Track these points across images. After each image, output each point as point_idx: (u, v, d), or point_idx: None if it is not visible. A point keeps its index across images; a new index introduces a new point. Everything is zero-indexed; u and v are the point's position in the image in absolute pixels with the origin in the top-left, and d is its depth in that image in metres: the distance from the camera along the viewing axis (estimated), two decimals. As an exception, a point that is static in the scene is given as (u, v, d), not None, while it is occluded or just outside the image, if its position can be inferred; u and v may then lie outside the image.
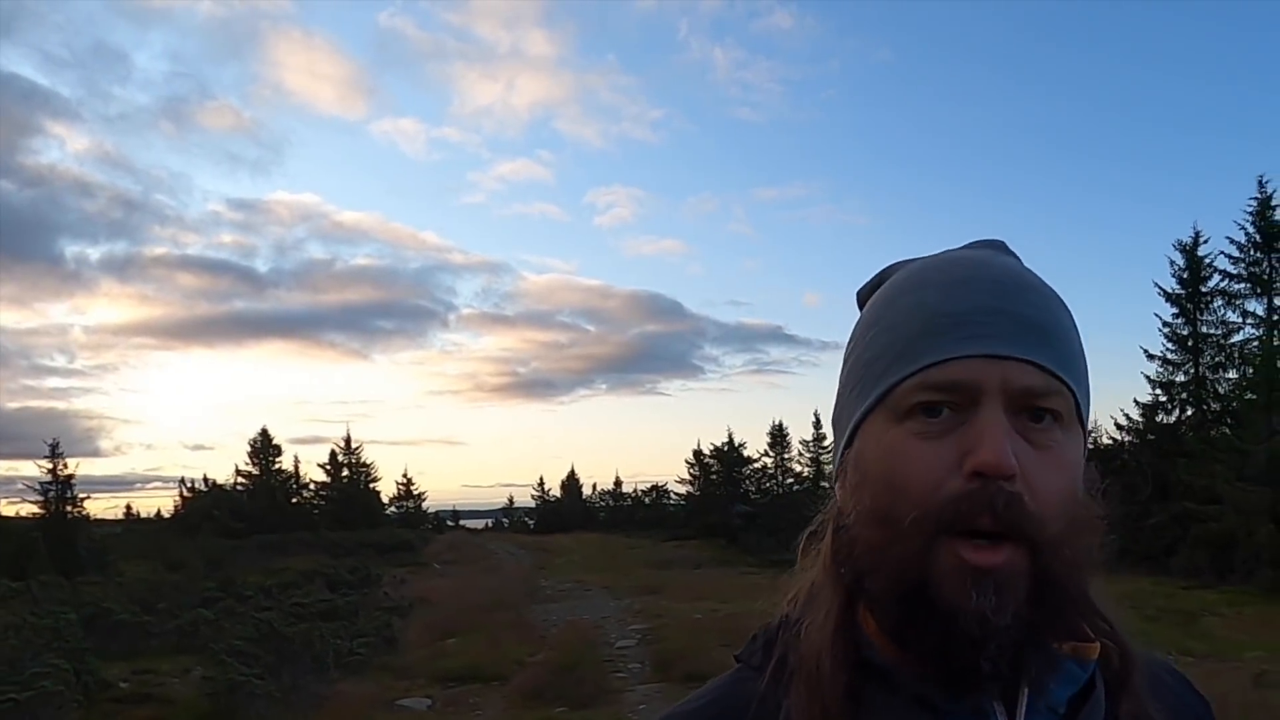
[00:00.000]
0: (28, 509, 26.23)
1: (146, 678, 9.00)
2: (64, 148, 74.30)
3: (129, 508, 45.87)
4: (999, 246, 0.63)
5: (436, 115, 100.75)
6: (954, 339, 0.54)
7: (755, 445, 38.58)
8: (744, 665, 0.63)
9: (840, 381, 0.63)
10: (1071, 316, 0.59)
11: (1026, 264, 0.63)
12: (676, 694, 6.24)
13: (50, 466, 25.44)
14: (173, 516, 37.60)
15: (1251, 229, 18.66)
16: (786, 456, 37.84)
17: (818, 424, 37.68)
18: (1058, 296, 0.59)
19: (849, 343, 0.64)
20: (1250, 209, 18.69)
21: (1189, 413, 19.88)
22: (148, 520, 40.76)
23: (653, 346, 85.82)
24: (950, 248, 0.64)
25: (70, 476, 25.66)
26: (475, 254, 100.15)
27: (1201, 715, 0.66)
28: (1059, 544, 0.52)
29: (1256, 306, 18.83)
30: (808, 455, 37.61)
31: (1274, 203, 18.53)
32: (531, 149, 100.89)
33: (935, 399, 0.53)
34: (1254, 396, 16.63)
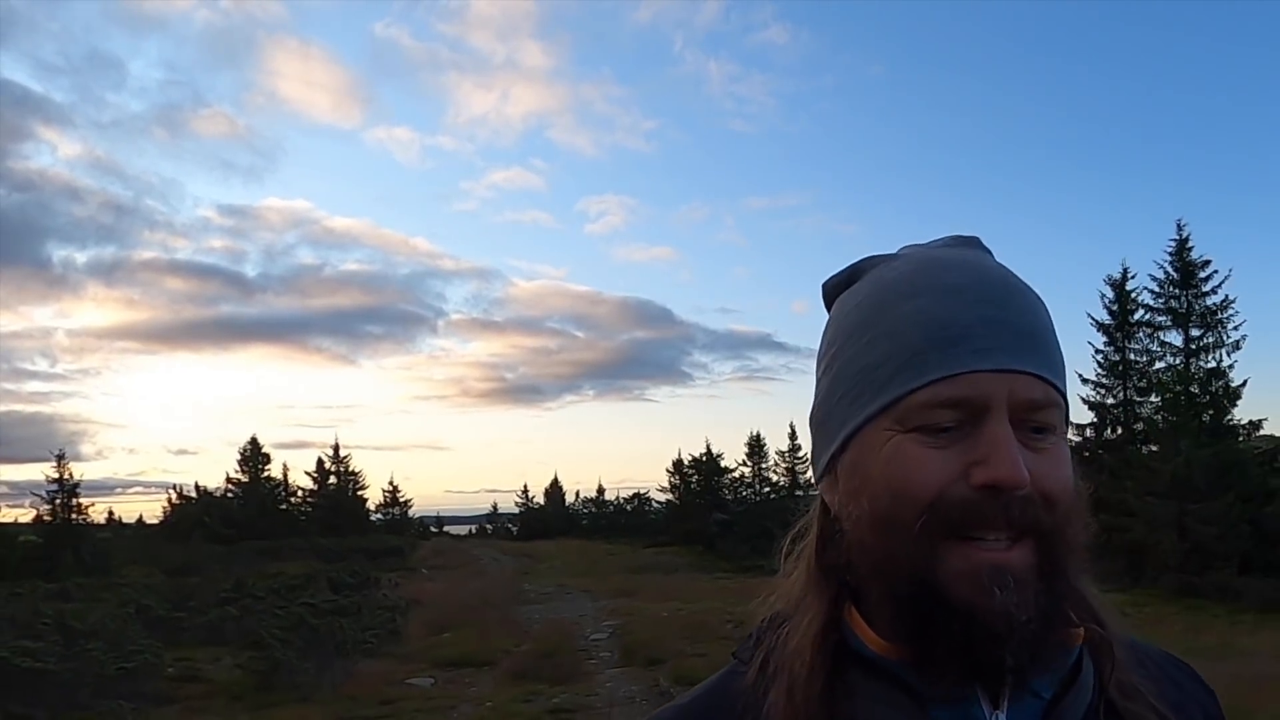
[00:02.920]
0: (25, 514, 27.48)
1: (186, 664, 10.50)
2: (55, 153, 74.72)
3: (110, 513, 46.18)
4: (976, 244, 0.64)
5: (430, 124, 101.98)
6: (962, 352, 0.54)
7: (741, 453, 39.54)
8: (739, 661, 0.64)
9: (824, 383, 0.62)
10: (1050, 315, 0.60)
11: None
12: (639, 676, 8.18)
13: (57, 474, 26.69)
14: (162, 522, 38.09)
15: (1170, 268, 20.72)
16: (763, 466, 39.35)
17: (793, 435, 39.39)
18: (1039, 297, 0.60)
19: (830, 341, 0.63)
20: (1170, 249, 20.78)
21: (1120, 433, 21.79)
22: (130, 526, 40.51)
23: (642, 353, 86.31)
24: (928, 243, 0.64)
25: (77, 483, 26.84)
26: (466, 260, 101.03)
27: (1206, 705, 0.66)
28: (1062, 536, 0.54)
29: (1175, 338, 20.91)
30: (783, 465, 39.30)
31: (1190, 244, 20.63)
32: (525, 158, 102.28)
33: (946, 414, 0.54)
34: (1166, 420, 18.52)
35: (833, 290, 0.66)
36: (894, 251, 0.64)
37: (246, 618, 12.17)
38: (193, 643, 11.95)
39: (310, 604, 13.28)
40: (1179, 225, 20.83)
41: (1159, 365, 20.92)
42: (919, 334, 0.56)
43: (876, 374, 0.57)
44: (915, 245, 0.64)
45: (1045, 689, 0.56)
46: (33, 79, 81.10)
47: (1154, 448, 19.33)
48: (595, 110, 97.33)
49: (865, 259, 0.64)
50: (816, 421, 0.64)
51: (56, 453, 27.39)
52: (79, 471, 26.68)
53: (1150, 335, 21.13)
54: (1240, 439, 19.23)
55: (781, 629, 0.62)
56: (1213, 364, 20.06)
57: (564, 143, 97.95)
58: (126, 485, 58.93)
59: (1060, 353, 0.59)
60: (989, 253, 0.63)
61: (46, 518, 26.25)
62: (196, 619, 12.08)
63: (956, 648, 0.52)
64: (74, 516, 26.65)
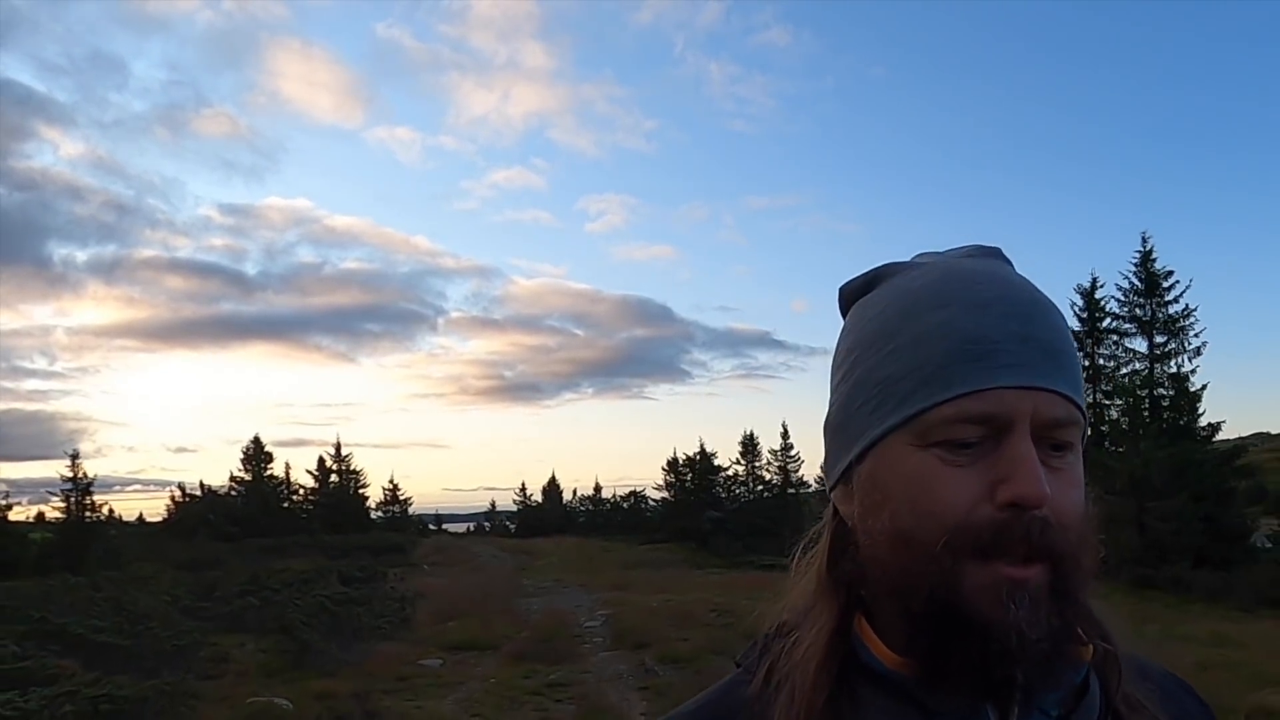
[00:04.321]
0: (46, 510, 28.40)
1: (215, 648, 11.50)
2: (57, 152, 75.58)
3: (110, 511, 46.33)
4: (999, 255, 0.63)
5: (432, 124, 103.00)
6: (988, 368, 0.54)
7: (737, 451, 40.13)
8: (743, 670, 0.64)
9: (843, 390, 0.61)
10: (1070, 331, 0.59)
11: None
12: (628, 658, 9.38)
13: (70, 473, 27.65)
14: (167, 520, 38.83)
15: (1135, 278, 21.87)
16: (757, 465, 40.30)
17: (786, 434, 40.34)
18: (1061, 313, 0.59)
19: (850, 347, 0.62)
20: (1135, 260, 21.92)
21: (1089, 434, 22.79)
22: (131, 524, 40.45)
23: (641, 351, 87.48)
24: (946, 251, 0.63)
25: (90, 482, 27.79)
26: (466, 259, 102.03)
27: (1194, 712, 0.67)
28: (1076, 558, 0.54)
29: (1140, 344, 22.08)
30: (776, 464, 40.26)
31: (1154, 255, 21.76)
32: (526, 157, 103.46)
33: (971, 429, 0.54)
34: (1128, 422, 19.62)
35: (850, 295, 0.65)
36: (912, 259, 0.63)
37: (266, 607, 13.15)
38: (217, 630, 12.94)
39: (325, 595, 14.31)
40: (1144, 238, 22.07)
41: (1125, 370, 22.10)
42: (945, 347, 0.55)
43: (899, 385, 0.56)
44: (934, 253, 0.63)
45: (1053, 706, 0.56)
46: (35, 79, 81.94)
47: (1118, 450, 20.45)
48: (596, 110, 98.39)
49: (886, 265, 0.64)
50: (833, 428, 0.63)
51: (70, 452, 28.29)
52: (69, 469, 27.38)
53: (1117, 342, 22.32)
54: (1200, 440, 20.33)
55: (788, 638, 0.61)
56: (1174, 369, 21.23)
57: (565, 142, 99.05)
58: (126, 483, 59.48)
59: (1080, 370, 0.59)
60: (1011, 264, 0.62)
61: (61, 515, 27.22)
62: (220, 608, 13.08)
63: (970, 664, 0.52)
64: (87, 515, 27.65)
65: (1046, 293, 0.60)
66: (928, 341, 0.56)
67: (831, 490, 0.63)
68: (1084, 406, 0.58)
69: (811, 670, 0.58)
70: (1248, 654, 9.66)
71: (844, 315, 0.65)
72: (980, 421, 0.54)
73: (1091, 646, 0.59)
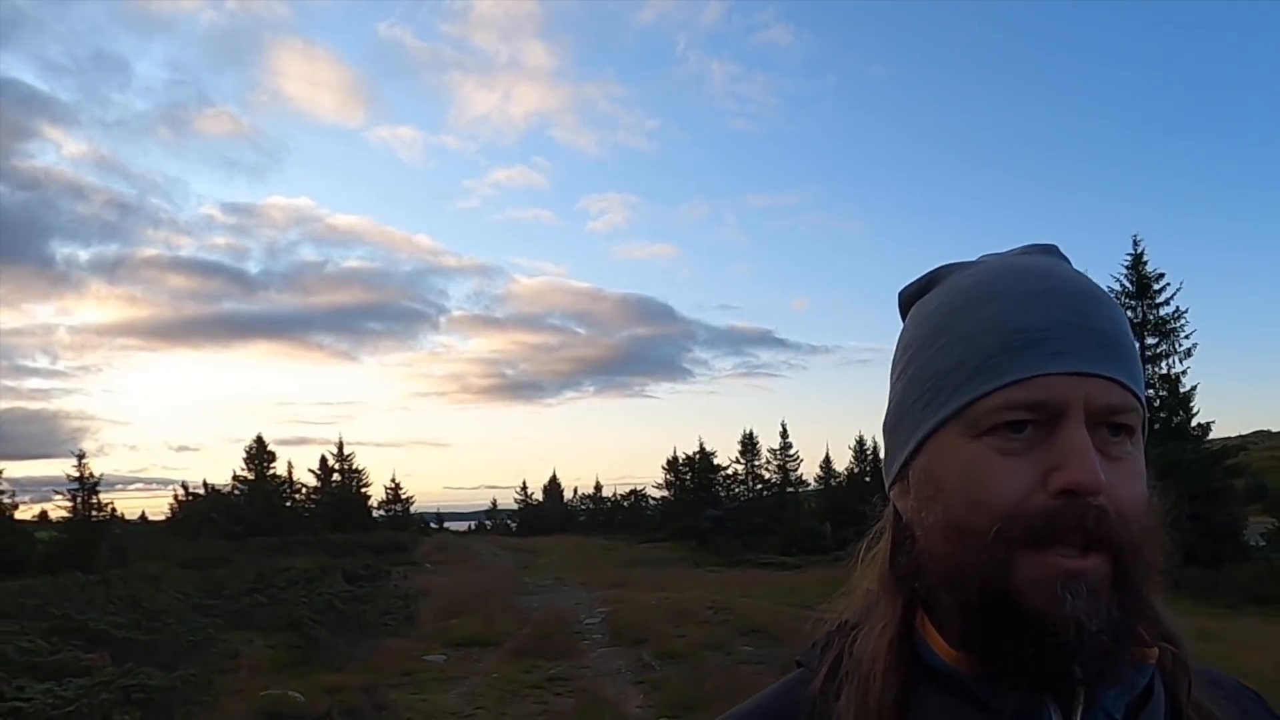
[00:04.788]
0: (51, 509, 28.75)
1: (225, 644, 11.83)
2: (60, 152, 76.04)
3: (113, 509, 46.11)
4: (1055, 251, 0.63)
5: (434, 123, 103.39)
6: (1038, 355, 0.54)
7: (737, 450, 40.37)
8: (805, 669, 0.64)
9: (898, 389, 0.62)
10: (1129, 325, 0.59)
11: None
12: (626, 653, 9.77)
13: (77, 472, 27.99)
14: (170, 518, 39.01)
15: (1126, 280, 22.19)
16: (756, 464, 40.60)
17: (785, 433, 40.63)
18: (1119, 305, 0.59)
19: (905, 347, 0.63)
20: (1126, 262, 22.26)
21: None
22: (133, 523, 40.93)
23: (642, 349, 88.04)
24: (1003, 251, 0.63)
25: (97, 481, 28.13)
26: (468, 257, 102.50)
27: None
28: (1137, 550, 0.53)
29: (1132, 345, 22.29)
30: (775, 463, 40.55)
31: (1145, 258, 22.11)
32: (527, 156, 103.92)
33: (1021, 417, 0.53)
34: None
35: (909, 299, 0.65)
36: (972, 259, 0.63)
37: (273, 605, 13.48)
38: (226, 627, 13.27)
39: (332, 593, 14.63)
40: (1135, 240, 22.47)
41: (1117, 372, 22.28)
42: (993, 338, 0.56)
43: (950, 378, 0.57)
44: (993, 254, 0.63)
45: (1117, 708, 0.55)
46: (39, 78, 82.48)
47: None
48: (598, 109, 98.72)
49: (942, 266, 0.64)
50: (890, 428, 0.64)
51: (77, 451, 28.62)
52: (76, 469, 27.66)
53: (1109, 343, 22.54)
54: (1192, 440, 20.65)
55: (852, 635, 0.62)
56: (1165, 370, 21.54)
57: (566, 141, 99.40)
58: (128, 482, 59.78)
59: (1139, 362, 0.58)
60: (1067, 260, 0.62)
61: (68, 514, 27.56)
62: (229, 606, 13.41)
63: (1026, 658, 0.51)
64: (94, 513, 27.99)
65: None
66: (977, 334, 0.57)
67: (890, 489, 0.64)
68: (1143, 396, 0.57)
69: (879, 669, 0.58)
70: (1225, 648, 9.98)
71: (903, 318, 0.66)
72: (1030, 409, 0.54)
73: (1157, 649, 0.57)
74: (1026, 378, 0.54)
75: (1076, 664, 0.51)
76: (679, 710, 8.02)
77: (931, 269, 0.65)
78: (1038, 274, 0.58)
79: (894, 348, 0.65)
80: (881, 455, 0.66)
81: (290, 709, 6.58)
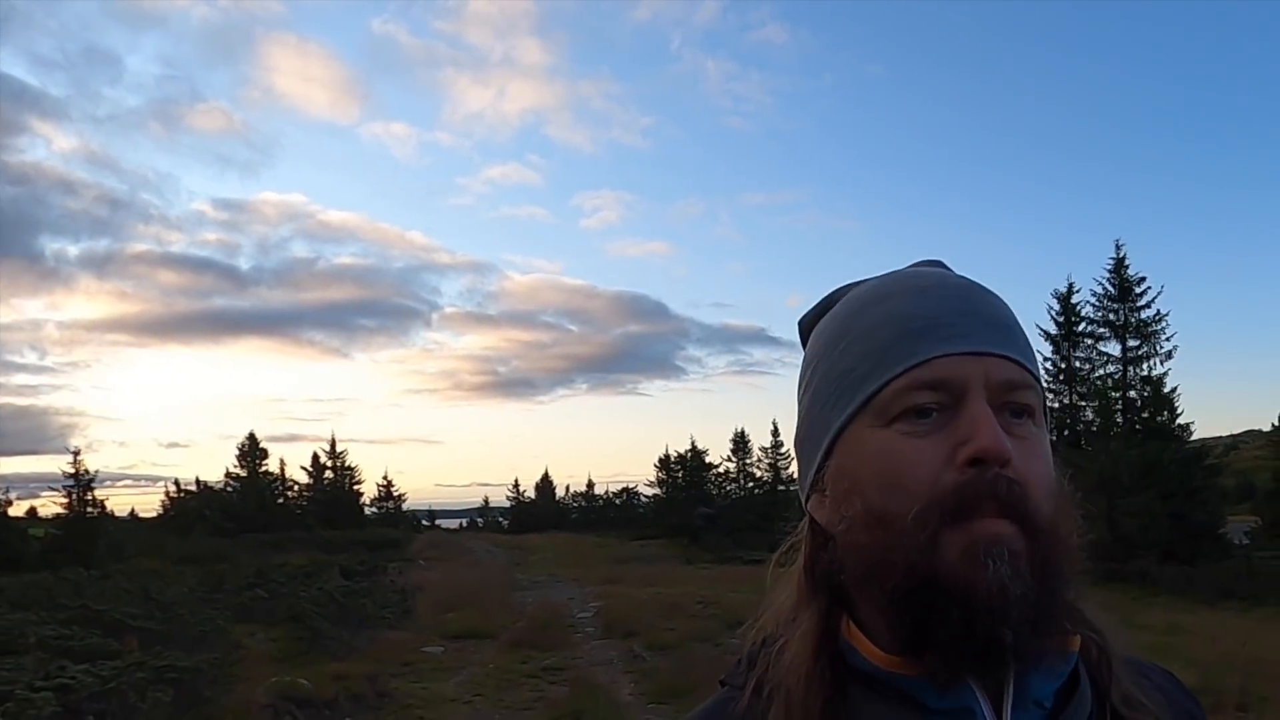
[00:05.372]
0: (42, 505, 28.82)
1: (230, 636, 12.14)
2: (50, 147, 75.29)
3: (102, 506, 45.51)
4: (941, 264, 0.66)
5: (428, 120, 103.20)
6: (933, 339, 0.56)
7: (729, 448, 40.76)
8: (730, 687, 0.64)
9: (805, 401, 0.64)
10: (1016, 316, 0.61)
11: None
12: (617, 645, 10.19)
13: (73, 469, 28.12)
14: (162, 515, 38.84)
15: (1109, 284, 22.71)
16: (748, 461, 40.98)
17: (776, 431, 41.05)
18: (1003, 300, 0.61)
19: (808, 363, 0.65)
20: (1109, 266, 22.77)
21: (1066, 434, 23.72)
22: (123, 520, 41.00)
23: (635, 347, 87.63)
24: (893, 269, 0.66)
25: (92, 478, 28.25)
26: (461, 254, 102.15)
27: (1194, 712, 0.66)
28: (1053, 528, 0.53)
29: (1113, 347, 22.94)
30: (767, 461, 40.96)
31: (1127, 262, 22.63)
32: (521, 153, 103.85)
33: (924, 399, 0.55)
34: (1098, 423, 20.45)
35: (808, 324, 0.68)
36: (861, 279, 0.66)
37: (274, 599, 13.78)
38: (228, 620, 13.59)
39: (331, 588, 14.94)
40: (1117, 245, 22.97)
41: (1099, 373, 22.94)
42: (890, 330, 0.58)
43: (853, 374, 0.59)
44: (891, 271, 0.66)
45: (1045, 696, 0.56)
46: (29, 73, 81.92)
47: (1087, 449, 21.24)
48: (592, 107, 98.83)
49: (836, 290, 0.67)
50: (800, 440, 0.65)
51: (73, 448, 28.73)
52: (71, 466, 27.75)
53: (1091, 345, 23.17)
54: (1173, 440, 21.15)
55: (774, 647, 0.61)
56: (1146, 372, 22.08)
57: (560, 139, 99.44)
58: (117, 479, 59.49)
59: (1032, 348, 0.60)
60: (953, 272, 0.65)
61: (64, 510, 27.68)
62: (231, 600, 13.72)
63: (954, 630, 0.51)
64: (89, 510, 28.12)
65: (993, 288, 0.62)
66: (874, 329, 0.59)
67: (806, 502, 0.64)
68: (1038, 375, 0.59)
69: (802, 675, 0.58)
70: (1188, 639, 10.42)
71: (804, 346, 0.68)
72: (933, 388, 0.55)
73: (1079, 638, 0.58)
74: (926, 359, 0.56)
75: (1005, 628, 0.51)
76: (667, 697, 8.41)
77: (824, 296, 0.68)
78: (926, 275, 0.62)
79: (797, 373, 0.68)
80: (795, 473, 0.67)
81: (300, 694, 6.93)
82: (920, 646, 0.54)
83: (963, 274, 0.64)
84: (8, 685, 4.20)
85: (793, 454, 0.67)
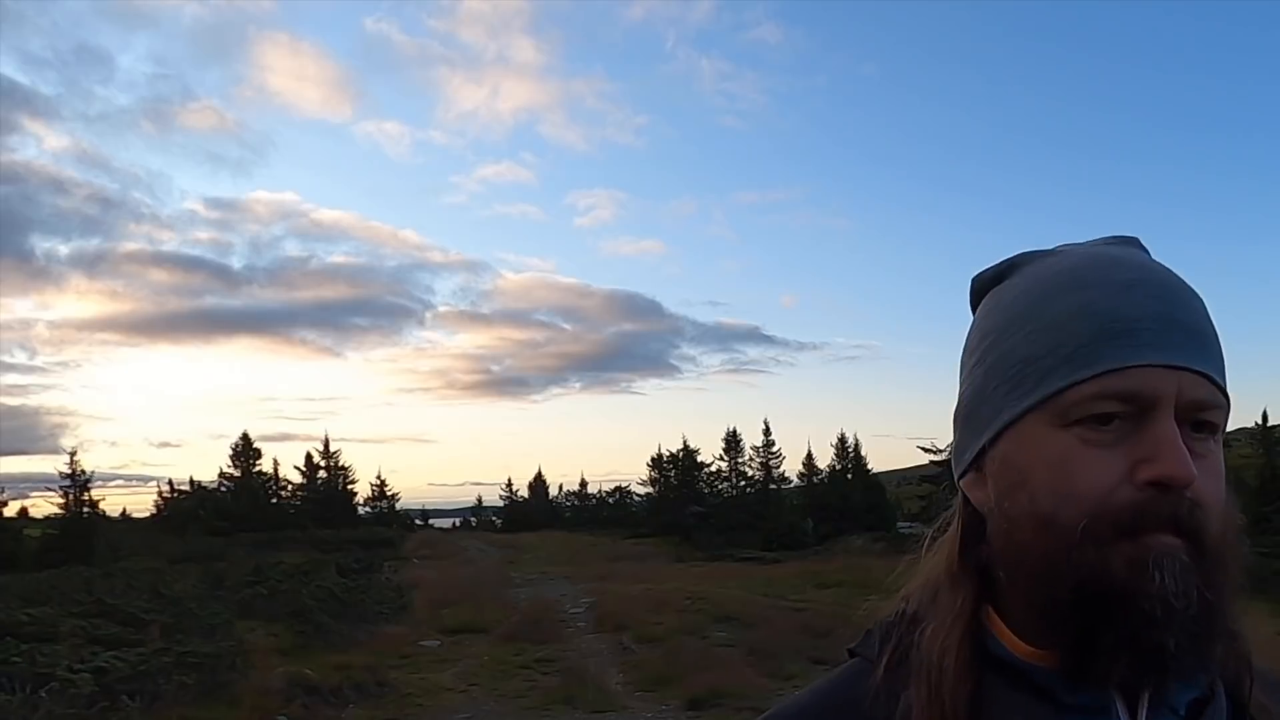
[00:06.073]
0: (34, 506, 29.05)
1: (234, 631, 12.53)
2: (41, 145, 75.24)
3: (95, 506, 44.95)
4: (1137, 243, 0.61)
5: (421, 118, 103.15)
6: (1131, 346, 0.53)
7: (721, 447, 40.84)
8: (861, 659, 0.63)
9: (977, 375, 0.60)
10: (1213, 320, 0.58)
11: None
12: (608, 638, 10.70)
13: (70, 469, 28.40)
14: (156, 515, 38.82)
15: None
16: (739, 461, 41.21)
17: (768, 431, 41.42)
18: (1203, 299, 0.58)
19: (984, 334, 0.61)
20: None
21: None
22: (116, 519, 39.49)
23: (629, 345, 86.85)
24: (1082, 242, 0.62)
25: (88, 478, 28.54)
26: (455, 253, 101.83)
27: None
28: (1222, 549, 0.52)
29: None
30: (758, 460, 41.35)
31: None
32: (515, 152, 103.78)
33: (1111, 409, 0.53)
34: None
35: (984, 285, 0.64)
36: (1049, 249, 0.62)
37: (273, 596, 14.17)
38: (232, 615, 13.98)
39: (328, 585, 15.33)
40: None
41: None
42: (1087, 326, 0.54)
43: (1039, 365, 0.55)
44: (1071, 244, 0.62)
45: (1182, 704, 0.55)
46: (20, 72, 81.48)
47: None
48: (586, 105, 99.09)
49: (1021, 254, 0.62)
50: (965, 414, 0.62)
51: (70, 449, 29.00)
52: (60, 465, 27.92)
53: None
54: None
55: (917, 627, 0.60)
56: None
57: (554, 137, 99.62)
58: (108, 479, 59.22)
59: (1222, 355, 0.57)
60: (1149, 253, 0.61)
61: (60, 511, 27.94)
62: (231, 597, 14.11)
63: (1119, 640, 0.50)
64: (85, 510, 28.37)
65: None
66: (1068, 322, 0.55)
67: (960, 478, 0.62)
68: (1227, 391, 0.56)
69: (952, 664, 0.57)
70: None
71: (974, 306, 0.65)
72: (1123, 399, 0.53)
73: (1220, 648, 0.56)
74: (1122, 367, 0.53)
75: (1169, 636, 0.50)
76: (655, 685, 8.87)
77: (1008, 257, 0.63)
78: (1126, 264, 0.57)
79: (967, 335, 0.64)
80: (952, 443, 0.64)
81: (307, 681, 7.35)
82: (1082, 655, 0.53)
83: (1162, 262, 0.60)
84: (49, 668, 4.62)
85: (952, 426, 0.64)
